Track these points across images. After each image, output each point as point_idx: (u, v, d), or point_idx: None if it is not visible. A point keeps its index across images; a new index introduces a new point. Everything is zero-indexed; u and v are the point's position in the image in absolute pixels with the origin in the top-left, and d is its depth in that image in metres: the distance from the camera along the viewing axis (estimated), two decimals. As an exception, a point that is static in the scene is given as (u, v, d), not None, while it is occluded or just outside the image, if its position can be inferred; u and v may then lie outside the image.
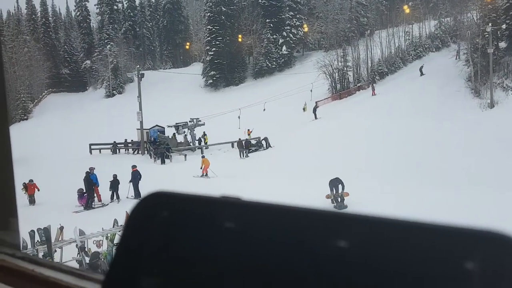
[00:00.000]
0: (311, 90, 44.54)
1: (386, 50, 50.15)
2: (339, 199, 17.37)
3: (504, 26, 37.94)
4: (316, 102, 42.84)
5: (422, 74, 42.96)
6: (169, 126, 35.53)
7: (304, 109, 42.47)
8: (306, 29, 65.66)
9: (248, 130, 35.31)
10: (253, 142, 32.83)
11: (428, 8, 63.43)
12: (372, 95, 42.22)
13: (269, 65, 61.86)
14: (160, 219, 0.39)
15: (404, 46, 51.20)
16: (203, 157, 26.49)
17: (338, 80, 47.36)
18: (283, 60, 62.33)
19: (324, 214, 0.32)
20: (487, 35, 35.47)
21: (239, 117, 37.69)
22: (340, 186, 17.55)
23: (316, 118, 38.43)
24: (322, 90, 46.64)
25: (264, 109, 41.61)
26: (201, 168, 25.30)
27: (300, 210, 0.33)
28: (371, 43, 48.72)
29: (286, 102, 43.77)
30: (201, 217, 0.38)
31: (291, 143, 30.82)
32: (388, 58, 49.20)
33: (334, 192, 17.50)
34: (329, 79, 47.43)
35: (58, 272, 0.73)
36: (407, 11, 59.61)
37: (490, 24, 35.74)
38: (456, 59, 42.73)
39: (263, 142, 32.71)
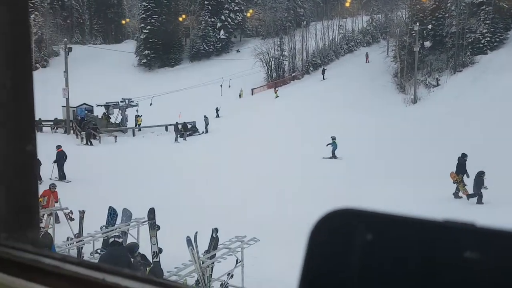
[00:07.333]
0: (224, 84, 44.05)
1: (320, 42, 51.37)
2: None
3: (430, 26, 40.34)
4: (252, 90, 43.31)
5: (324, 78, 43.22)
6: (98, 105, 33.77)
7: (240, 95, 42.54)
8: (249, 14, 65.38)
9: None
10: (189, 126, 32.08)
11: (361, 3, 65.79)
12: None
13: (206, 48, 60.89)
14: (362, 243, 0.32)
15: (338, 40, 52.76)
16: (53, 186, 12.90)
17: (274, 68, 47.84)
18: (220, 44, 61.62)
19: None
20: (414, 34, 37.50)
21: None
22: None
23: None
24: (259, 77, 46.94)
25: (151, 104, 39.81)
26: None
27: None
28: (306, 34, 49.63)
29: (225, 86, 43.68)
30: (421, 245, 0.30)
31: (228, 128, 30.66)
32: (322, 50, 50.45)
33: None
34: (266, 67, 47.77)
35: (89, 269, 0.62)
36: (347, 4, 61.31)
37: (417, 24, 37.79)
38: (386, 55, 44.84)
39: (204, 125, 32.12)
